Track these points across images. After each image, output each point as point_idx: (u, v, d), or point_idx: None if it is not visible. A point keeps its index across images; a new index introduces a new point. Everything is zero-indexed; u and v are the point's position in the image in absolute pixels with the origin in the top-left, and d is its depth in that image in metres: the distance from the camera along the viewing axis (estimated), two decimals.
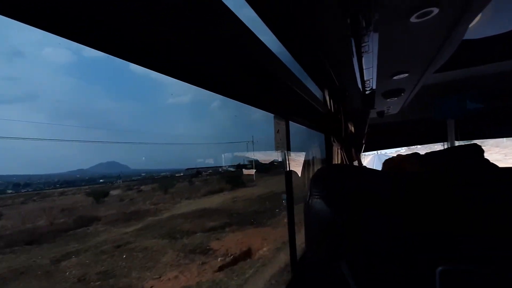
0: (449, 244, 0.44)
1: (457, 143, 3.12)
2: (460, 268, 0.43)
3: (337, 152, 1.91)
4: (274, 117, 1.07)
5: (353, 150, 2.59)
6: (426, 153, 0.89)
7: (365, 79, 1.81)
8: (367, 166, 2.70)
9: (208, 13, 0.49)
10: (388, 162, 0.98)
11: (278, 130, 1.08)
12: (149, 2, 0.39)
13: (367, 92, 2.12)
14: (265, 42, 0.81)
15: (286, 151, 1.17)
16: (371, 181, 0.59)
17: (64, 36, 0.33)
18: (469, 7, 0.99)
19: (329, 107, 1.72)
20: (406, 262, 0.47)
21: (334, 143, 1.89)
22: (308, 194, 0.61)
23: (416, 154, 0.95)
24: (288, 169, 1.22)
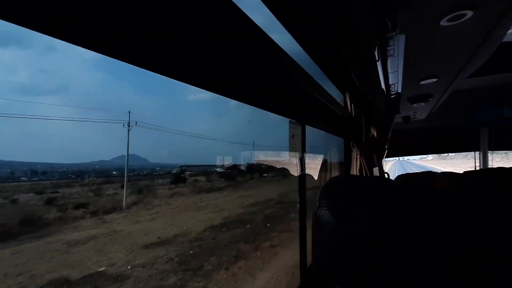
0: (465, 265, 0.42)
1: (490, 154, 2.91)
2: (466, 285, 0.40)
3: (356, 157, 1.85)
4: (290, 121, 1.05)
5: (374, 155, 2.50)
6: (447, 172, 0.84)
7: (390, 83, 1.73)
8: (388, 172, 2.59)
9: (221, 15, 0.49)
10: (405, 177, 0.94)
11: (294, 135, 1.07)
12: (164, 7, 0.39)
13: (392, 97, 2.03)
14: (283, 45, 0.80)
15: (300, 156, 1.15)
16: (381, 195, 0.56)
17: (69, 40, 0.34)
18: (509, 9, 0.91)
19: (349, 111, 1.66)
20: (413, 279, 0.45)
21: (353, 148, 1.83)
22: (317, 204, 0.60)
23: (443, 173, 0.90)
24: (302, 174, 1.20)
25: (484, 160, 2.94)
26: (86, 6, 0.32)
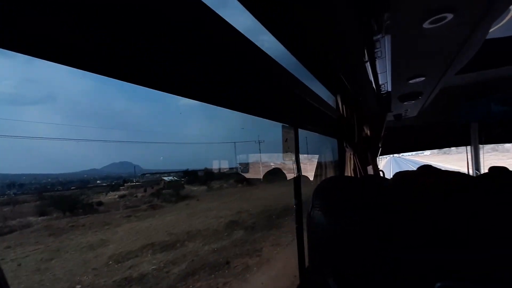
0: (449, 260, 0.43)
1: (481, 147, 2.96)
2: (458, 284, 0.42)
3: (350, 157, 1.87)
4: (282, 126, 1.07)
5: (369, 154, 2.53)
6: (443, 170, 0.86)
7: (379, 83, 1.76)
8: (383, 169, 2.62)
9: (202, 25, 0.50)
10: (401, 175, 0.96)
11: (287, 139, 1.08)
12: (146, 28, 0.41)
13: (382, 96, 2.06)
14: (271, 49, 0.82)
15: (295, 158, 1.16)
16: (374, 195, 0.58)
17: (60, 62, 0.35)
18: (490, 9, 0.94)
19: (341, 112, 1.69)
20: (404, 276, 0.46)
21: (347, 148, 1.85)
22: (310, 205, 0.62)
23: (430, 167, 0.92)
24: (297, 176, 1.22)
25: (476, 153, 3.00)
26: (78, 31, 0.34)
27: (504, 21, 1.42)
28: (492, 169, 0.89)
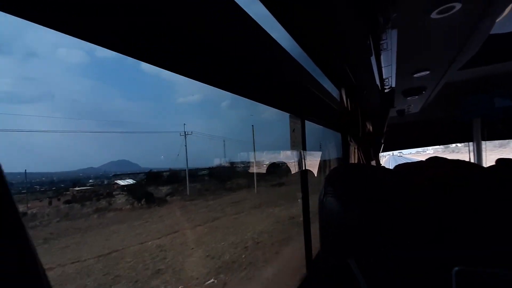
0: (466, 245, 0.44)
1: (483, 143, 2.97)
2: (477, 269, 0.42)
3: (354, 151, 1.88)
4: (290, 116, 1.08)
5: (371, 149, 2.54)
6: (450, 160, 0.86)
7: (383, 77, 1.77)
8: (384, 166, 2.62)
9: (218, 11, 0.51)
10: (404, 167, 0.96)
11: (294, 130, 1.09)
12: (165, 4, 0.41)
13: (386, 91, 2.06)
14: (279, 40, 0.82)
15: (301, 150, 1.17)
16: (386, 181, 0.59)
17: (71, 33, 0.35)
18: (495, 0, 0.94)
19: (345, 105, 1.69)
20: (421, 261, 0.47)
21: (351, 143, 1.86)
22: (323, 192, 0.62)
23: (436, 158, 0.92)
24: (304, 169, 1.23)
25: (478, 149, 3.00)
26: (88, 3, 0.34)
27: (508, 16, 1.42)
28: (500, 161, 0.90)
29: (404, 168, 1.01)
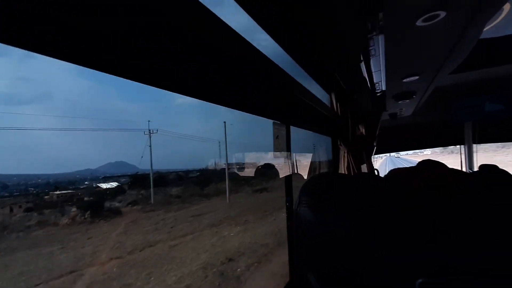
0: (430, 258, 0.43)
1: (474, 146, 2.99)
2: (439, 281, 0.42)
3: (344, 155, 1.87)
4: (273, 123, 1.06)
5: (363, 153, 2.53)
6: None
7: (374, 81, 1.76)
8: (378, 169, 2.63)
9: (196, 22, 0.49)
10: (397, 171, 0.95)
11: (278, 136, 1.08)
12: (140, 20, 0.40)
13: (377, 95, 2.06)
14: (265, 48, 0.81)
15: (286, 156, 1.16)
16: (361, 193, 0.58)
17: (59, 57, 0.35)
18: (482, 7, 0.94)
19: (335, 110, 1.69)
20: (386, 273, 0.46)
21: (341, 147, 1.85)
22: (297, 202, 0.61)
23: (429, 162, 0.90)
24: (289, 174, 1.22)
25: (469, 152, 3.02)
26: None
27: (497, 21, 1.42)
28: (482, 167, 0.89)
29: (398, 173, 1.00)
